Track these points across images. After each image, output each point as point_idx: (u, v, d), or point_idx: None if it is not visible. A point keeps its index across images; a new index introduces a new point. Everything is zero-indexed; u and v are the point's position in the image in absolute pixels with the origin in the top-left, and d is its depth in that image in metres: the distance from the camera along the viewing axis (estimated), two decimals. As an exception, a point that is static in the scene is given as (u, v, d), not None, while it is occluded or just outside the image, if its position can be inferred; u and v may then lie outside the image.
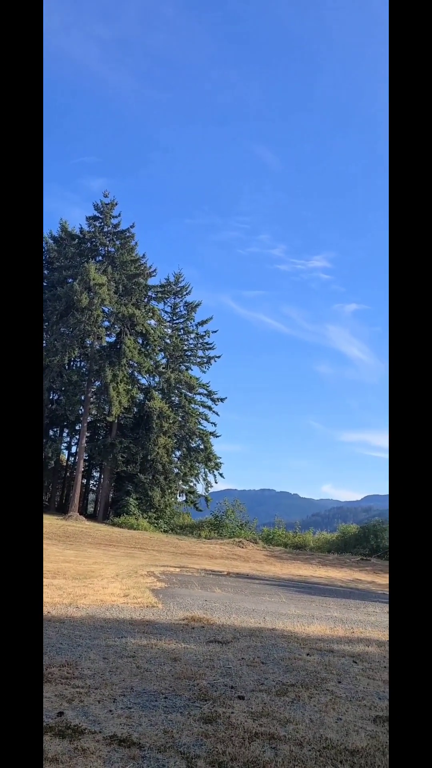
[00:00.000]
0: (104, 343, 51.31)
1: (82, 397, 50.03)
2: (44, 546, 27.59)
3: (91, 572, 16.54)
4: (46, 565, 17.32)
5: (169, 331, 56.89)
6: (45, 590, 11.23)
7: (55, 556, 22.25)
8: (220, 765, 3.63)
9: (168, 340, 55.93)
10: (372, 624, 11.01)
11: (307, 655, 7.29)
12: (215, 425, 56.60)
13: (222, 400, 56.58)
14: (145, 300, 53.55)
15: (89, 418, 52.31)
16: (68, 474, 57.35)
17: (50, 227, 56.89)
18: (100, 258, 52.74)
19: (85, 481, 56.22)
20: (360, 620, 11.51)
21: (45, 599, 9.98)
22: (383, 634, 9.51)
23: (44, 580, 13.32)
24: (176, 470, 53.55)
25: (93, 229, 52.85)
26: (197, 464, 54.65)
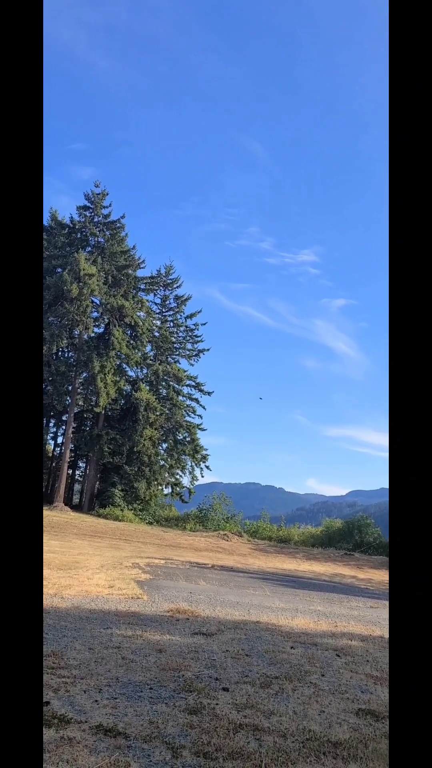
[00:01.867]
0: (92, 334, 51.11)
1: (70, 388, 49.85)
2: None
3: (75, 563, 16.53)
4: (31, 556, 17.29)
5: (158, 323, 56.78)
6: (30, 580, 11.22)
7: (39, 547, 22.19)
8: (205, 755, 3.67)
9: (156, 332, 55.81)
10: (355, 618, 11.12)
11: (291, 648, 7.36)
12: (202, 418, 56.62)
13: (209, 393, 56.65)
14: (134, 291, 53.38)
15: (76, 409, 52.13)
16: (54, 464, 57.15)
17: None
18: (90, 248, 52.46)
19: (70, 471, 56.09)
20: (343, 614, 11.62)
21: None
22: (366, 629, 9.62)
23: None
24: (162, 462, 53.57)
25: (83, 219, 52.54)
26: (183, 457, 54.72)
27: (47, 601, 9.00)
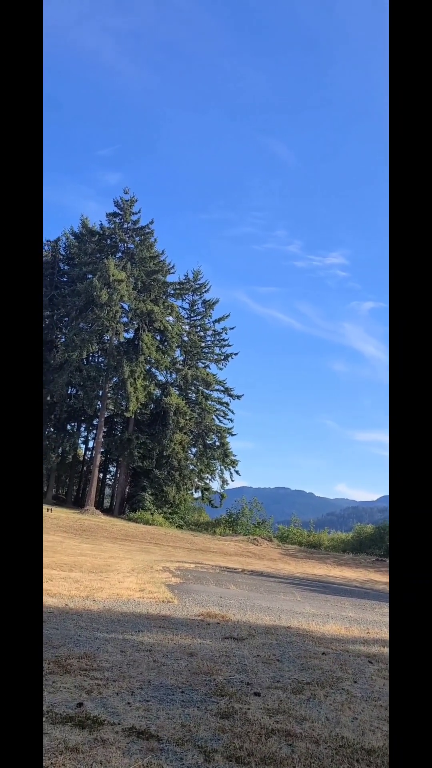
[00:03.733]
0: (122, 339, 51.57)
1: (100, 392, 50.34)
2: (61, 539, 27.85)
3: (107, 566, 16.67)
4: (63, 558, 17.50)
5: (187, 327, 56.99)
6: (62, 583, 11.36)
7: (71, 550, 22.46)
8: (237, 760, 3.66)
9: (185, 337, 56.03)
10: (387, 625, 10.97)
11: (323, 654, 7.30)
12: (232, 422, 56.58)
13: (239, 397, 56.62)
14: (164, 297, 53.70)
15: (106, 413, 52.61)
16: (85, 468, 57.78)
17: (68, 223, 57.42)
18: (120, 254, 52.98)
19: (101, 475, 56.60)
20: (375, 621, 11.48)
21: (63, 591, 10.10)
22: (399, 635, 9.48)
23: (61, 572, 13.46)
24: (192, 467, 53.68)
25: (113, 226, 53.09)
26: (213, 461, 54.74)
27: (80, 604, 9.10)
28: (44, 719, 4.00)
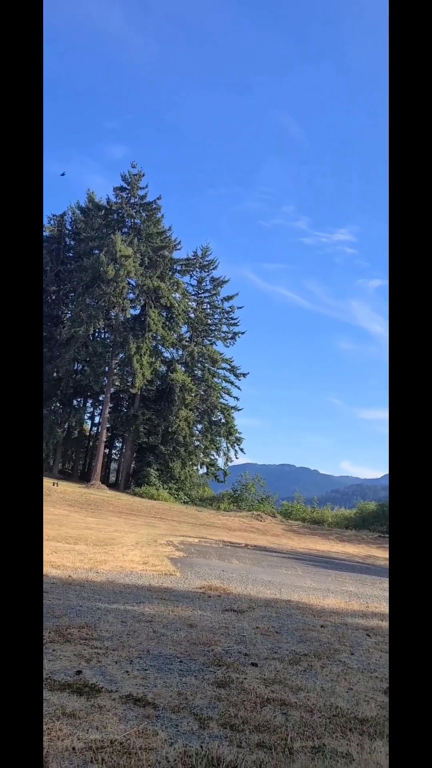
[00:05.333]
0: (129, 315, 51.53)
1: (106, 368, 50.44)
2: (66, 513, 28.15)
3: (111, 539, 16.86)
4: (68, 531, 17.71)
5: (194, 304, 56.78)
6: (66, 555, 11.50)
7: (77, 523, 22.72)
8: (231, 727, 3.73)
9: (192, 314, 55.87)
10: (387, 599, 11.07)
11: (321, 626, 7.39)
12: (238, 399, 56.67)
13: (245, 375, 56.60)
14: (170, 273, 53.43)
15: (112, 390, 52.79)
16: (91, 443, 58.17)
17: (74, 196, 57.05)
18: (126, 230, 52.62)
19: (107, 450, 56.97)
20: (375, 595, 11.60)
21: (66, 563, 10.23)
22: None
23: (66, 545, 13.62)
24: (197, 443, 53.94)
25: (120, 200, 52.66)
26: (218, 438, 54.96)
27: (83, 575, 9.22)
28: (43, 686, 4.08)
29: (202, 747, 3.35)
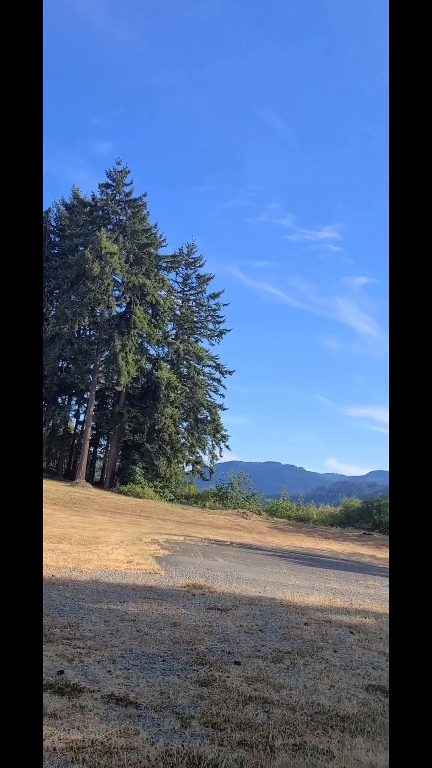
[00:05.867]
0: (114, 313, 51.25)
1: (91, 366, 50.20)
2: (51, 512, 28.01)
3: (96, 538, 16.81)
4: (52, 530, 17.62)
5: (180, 302, 56.69)
6: (50, 554, 11.44)
7: (61, 522, 22.60)
8: (213, 726, 3.73)
9: (178, 311, 55.79)
10: (371, 596, 11.16)
11: (305, 624, 7.43)
12: (223, 397, 56.70)
13: (230, 372, 56.65)
14: (156, 270, 53.28)
15: (98, 387, 52.55)
16: (76, 441, 57.88)
17: (59, 193, 56.71)
18: (112, 226, 52.37)
19: (92, 449, 56.74)
20: (359, 593, 11.67)
21: (49, 563, 10.17)
22: (381, 607, 9.65)
23: (50, 544, 13.55)
24: (183, 441, 53.89)
25: (105, 197, 52.39)
26: (204, 435, 54.96)
27: (66, 575, 9.18)
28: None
29: (183, 746, 3.35)
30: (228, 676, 4.82)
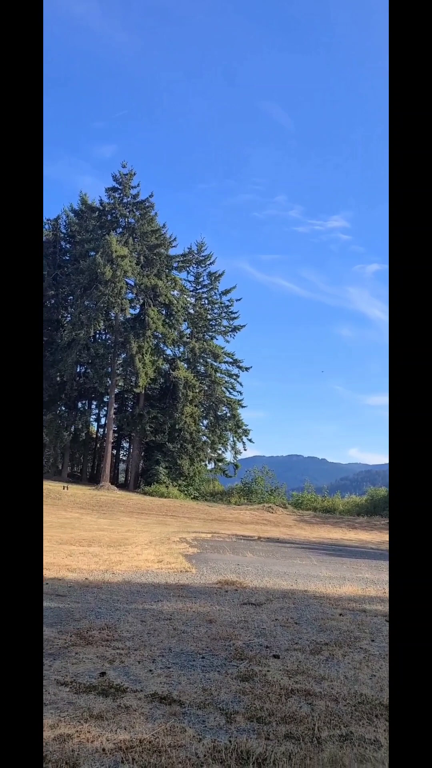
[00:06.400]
0: (128, 315, 51.50)
1: (109, 369, 50.47)
2: (78, 515, 28.23)
3: (125, 540, 16.92)
4: (81, 534, 17.77)
5: (193, 300, 56.75)
6: (81, 558, 11.55)
7: (89, 525, 22.79)
8: (258, 720, 3.74)
9: (191, 310, 55.85)
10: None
11: (340, 615, 7.41)
12: (241, 394, 56.68)
13: (247, 369, 56.61)
14: (167, 270, 53.37)
15: (116, 390, 52.83)
16: (98, 445, 58.27)
17: (68, 199, 56.88)
18: (121, 230, 52.55)
19: (115, 451, 57.09)
20: (392, 581, 11.61)
21: (82, 566, 10.27)
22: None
23: (80, 548, 13.67)
24: (204, 438, 54.00)
25: (112, 201, 52.59)
26: (225, 432, 55.01)
27: (99, 577, 9.25)
28: (68, 689, 4.11)
29: (230, 741, 3.36)
30: (268, 670, 4.83)
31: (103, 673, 4.48)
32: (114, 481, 53.41)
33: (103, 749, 3.17)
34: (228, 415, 55.11)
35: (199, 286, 57.71)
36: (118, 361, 51.31)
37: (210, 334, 56.93)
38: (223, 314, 57.20)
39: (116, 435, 55.60)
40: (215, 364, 55.50)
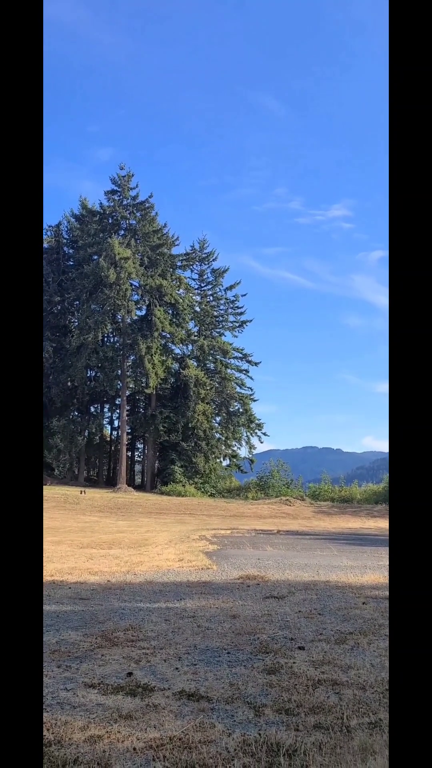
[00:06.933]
0: (135, 317, 51.58)
1: (119, 372, 50.63)
2: (97, 519, 28.38)
3: (144, 540, 16.98)
4: (101, 537, 17.86)
5: (198, 298, 56.78)
6: (102, 560, 11.61)
7: (108, 528, 22.89)
8: (287, 712, 3.75)
9: (198, 308, 55.88)
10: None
11: (363, 603, 7.40)
12: (252, 389, 56.66)
13: (257, 363, 56.57)
14: (171, 270, 53.41)
15: (128, 392, 53.00)
16: (113, 448, 58.50)
17: (68, 205, 57.05)
18: (123, 232, 52.66)
19: (129, 453, 57.29)
20: (413, 567, 11.58)
21: (103, 569, 10.32)
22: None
23: (101, 551, 13.74)
24: (218, 435, 54.07)
25: (112, 204, 52.68)
26: (239, 428, 55.04)
27: (121, 578, 9.30)
28: (96, 691, 4.13)
29: (260, 734, 3.37)
30: (294, 662, 4.84)
31: (130, 674, 4.51)
32: (130, 482, 53.61)
33: (134, 748, 3.19)
34: (240, 410, 55.14)
35: (204, 284, 57.75)
36: (128, 363, 51.45)
37: (218, 330, 56.95)
38: (230, 310, 57.25)
39: (130, 437, 55.80)
40: (225, 360, 55.52)
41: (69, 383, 51.18)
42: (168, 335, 51.81)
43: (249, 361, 56.36)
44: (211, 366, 55.25)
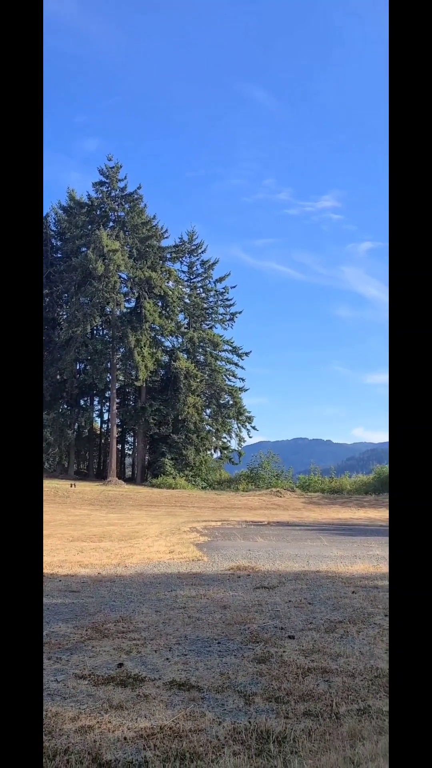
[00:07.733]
0: (124, 309, 51.37)
1: (109, 365, 50.47)
2: (88, 512, 28.35)
3: (135, 533, 17.00)
4: (92, 530, 17.85)
5: (188, 290, 56.63)
6: (93, 553, 11.61)
7: (99, 521, 22.88)
8: (276, 700, 3.78)
9: (187, 300, 55.74)
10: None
11: (353, 592, 7.46)
12: (243, 380, 56.69)
13: (247, 354, 56.59)
14: (161, 262, 53.20)
15: (117, 385, 52.87)
16: (103, 441, 58.38)
17: (55, 196, 56.66)
18: (111, 224, 52.35)
19: (120, 446, 57.20)
20: (402, 556, 11.67)
21: (94, 561, 10.33)
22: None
23: (91, 543, 13.74)
24: (208, 428, 54.10)
25: (100, 195, 52.30)
26: (228, 420, 55.10)
27: (112, 571, 9.31)
28: (86, 682, 4.14)
29: (250, 722, 3.40)
30: (284, 651, 4.87)
31: (120, 665, 4.52)
32: (121, 475, 53.57)
33: (125, 738, 3.21)
34: (230, 403, 55.18)
35: (193, 276, 57.59)
36: (117, 356, 51.29)
37: (207, 323, 56.88)
38: (219, 302, 57.17)
39: (120, 430, 55.70)
40: (215, 352, 55.49)
41: (58, 376, 50.96)
42: (157, 327, 51.67)
43: (239, 354, 56.39)
44: (201, 358, 55.21)
